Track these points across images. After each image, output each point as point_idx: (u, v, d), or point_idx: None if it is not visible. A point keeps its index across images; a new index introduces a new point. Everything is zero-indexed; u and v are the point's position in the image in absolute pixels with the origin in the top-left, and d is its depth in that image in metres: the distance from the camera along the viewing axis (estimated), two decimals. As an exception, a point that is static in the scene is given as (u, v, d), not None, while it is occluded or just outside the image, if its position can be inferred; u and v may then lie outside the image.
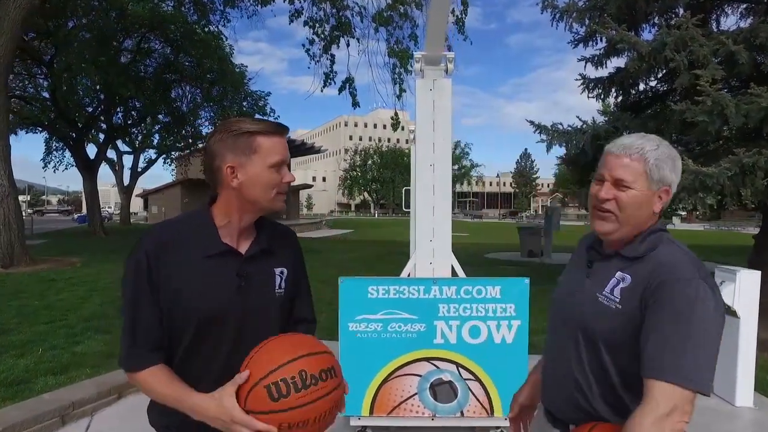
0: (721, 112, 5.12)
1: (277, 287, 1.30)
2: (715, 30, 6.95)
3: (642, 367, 1.06)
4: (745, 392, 3.71)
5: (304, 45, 13.58)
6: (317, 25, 13.42)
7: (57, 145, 24.36)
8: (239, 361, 1.15)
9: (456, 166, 76.10)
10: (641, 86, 8.16)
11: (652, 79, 7.75)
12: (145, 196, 44.76)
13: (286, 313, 1.35)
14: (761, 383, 3.90)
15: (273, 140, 1.22)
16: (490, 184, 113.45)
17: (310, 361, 1.10)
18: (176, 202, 34.59)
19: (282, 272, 1.32)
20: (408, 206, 3.71)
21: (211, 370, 1.22)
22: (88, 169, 20.81)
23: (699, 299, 1.06)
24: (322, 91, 13.66)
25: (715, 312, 1.07)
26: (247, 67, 19.52)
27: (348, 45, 13.78)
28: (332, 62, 13.78)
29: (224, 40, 17.51)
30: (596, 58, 8.11)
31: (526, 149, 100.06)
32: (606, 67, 8.16)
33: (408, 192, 3.74)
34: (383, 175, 77.01)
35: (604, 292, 1.18)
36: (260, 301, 1.26)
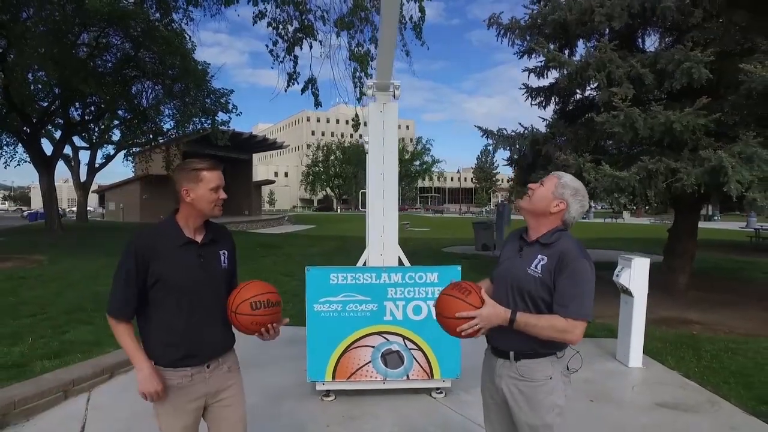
0: (632, 124, 6.02)
1: (223, 263, 1.98)
2: (640, 51, 7.90)
3: (555, 306, 1.77)
4: (636, 356, 4.59)
5: (267, 45, 13.90)
6: (280, 26, 13.75)
7: (8, 140, 23.62)
8: (203, 315, 1.88)
9: (417, 162, 77.13)
10: (578, 96, 9.06)
11: (588, 89, 8.65)
12: (102, 192, 43.29)
13: (229, 279, 2.03)
14: (648, 348, 4.80)
15: (212, 173, 1.88)
16: (452, 180, 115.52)
17: (270, 295, 1.90)
18: (135, 198, 33.60)
19: (224, 253, 2.00)
20: (364, 207, 4.34)
21: (185, 323, 1.85)
22: (45, 165, 20.35)
23: (582, 269, 1.78)
24: (285, 91, 14.04)
25: (591, 272, 1.79)
26: (209, 64, 19.49)
27: (311, 47, 14.19)
28: (295, 63, 14.15)
29: (187, 37, 17.50)
30: (538, 70, 8.91)
31: (486, 145, 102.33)
32: (547, 77, 8.99)
33: (364, 194, 4.38)
34: (346, 171, 77.06)
35: (531, 267, 1.84)
36: (214, 273, 1.94)
